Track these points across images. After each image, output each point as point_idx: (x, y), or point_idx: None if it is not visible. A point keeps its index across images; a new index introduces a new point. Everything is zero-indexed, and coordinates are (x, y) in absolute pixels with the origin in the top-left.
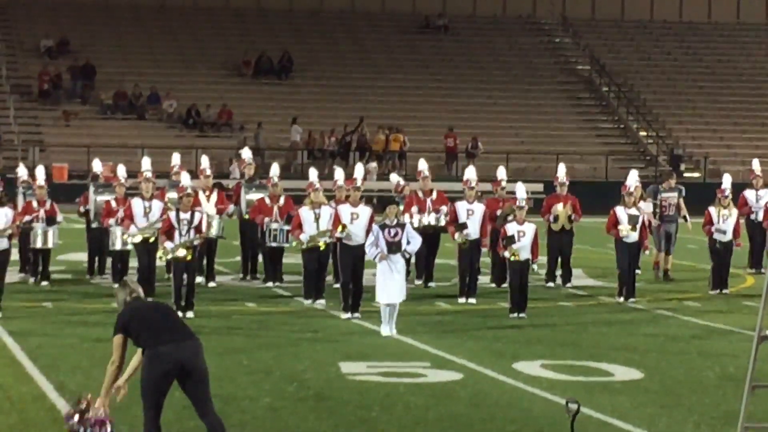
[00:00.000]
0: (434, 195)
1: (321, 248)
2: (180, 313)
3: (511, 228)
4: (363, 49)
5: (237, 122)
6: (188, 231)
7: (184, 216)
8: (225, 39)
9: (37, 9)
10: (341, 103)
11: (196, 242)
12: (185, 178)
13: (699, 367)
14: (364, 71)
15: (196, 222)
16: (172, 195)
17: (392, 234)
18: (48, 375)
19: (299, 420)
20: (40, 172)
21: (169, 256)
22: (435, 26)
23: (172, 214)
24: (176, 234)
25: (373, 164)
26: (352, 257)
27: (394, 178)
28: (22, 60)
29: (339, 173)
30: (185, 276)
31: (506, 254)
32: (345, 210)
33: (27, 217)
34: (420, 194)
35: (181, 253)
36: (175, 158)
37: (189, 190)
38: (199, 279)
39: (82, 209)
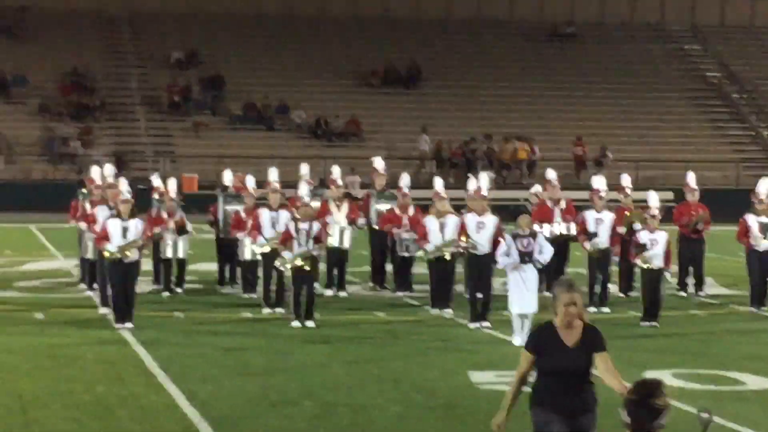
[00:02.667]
0: (563, 204)
1: (446, 258)
2: (297, 324)
3: (643, 236)
4: (490, 58)
5: (365, 132)
6: (307, 241)
7: (303, 226)
8: (353, 49)
9: (166, 21)
10: (469, 112)
11: (314, 252)
12: (303, 189)
13: None
14: (492, 80)
15: (315, 232)
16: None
17: (525, 244)
18: (179, 384)
19: (428, 429)
20: (172, 184)
21: (289, 266)
22: (563, 34)
23: (291, 225)
24: (295, 244)
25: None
26: (480, 267)
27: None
28: (153, 72)
29: (472, 183)
30: (304, 286)
31: (638, 262)
32: (471, 219)
33: (157, 229)
34: (549, 203)
35: (300, 263)
36: (304, 168)
37: (306, 200)
38: (329, 292)
39: (212, 218)
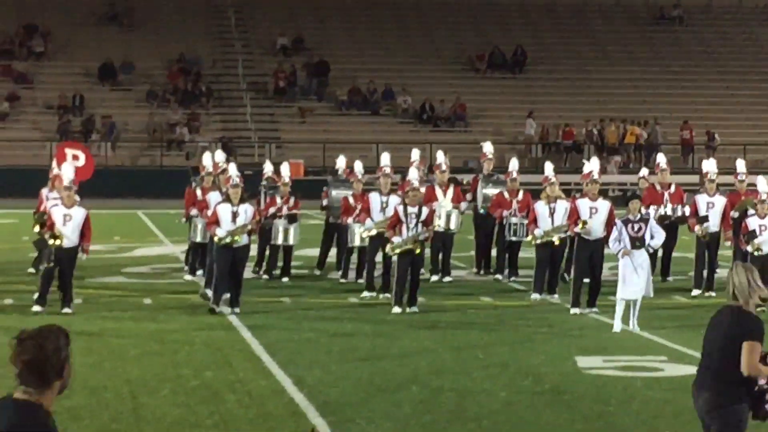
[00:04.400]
0: (672, 188)
1: (555, 243)
2: (398, 309)
3: (753, 222)
4: (597, 42)
5: (471, 116)
6: (416, 225)
7: (412, 210)
8: (457, 34)
9: (272, 8)
10: (575, 96)
11: (422, 237)
12: (413, 174)
13: None
14: (598, 64)
15: (423, 216)
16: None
17: (636, 229)
18: (286, 369)
19: (535, 414)
20: (284, 169)
21: (398, 250)
22: (670, 17)
23: (400, 208)
24: (404, 228)
25: (617, 158)
26: (590, 252)
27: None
28: (258, 58)
29: (587, 167)
30: (410, 270)
31: (749, 249)
32: (584, 204)
33: (271, 209)
34: (658, 187)
35: (411, 246)
36: (414, 154)
37: (416, 184)
38: (434, 277)
39: (325, 202)
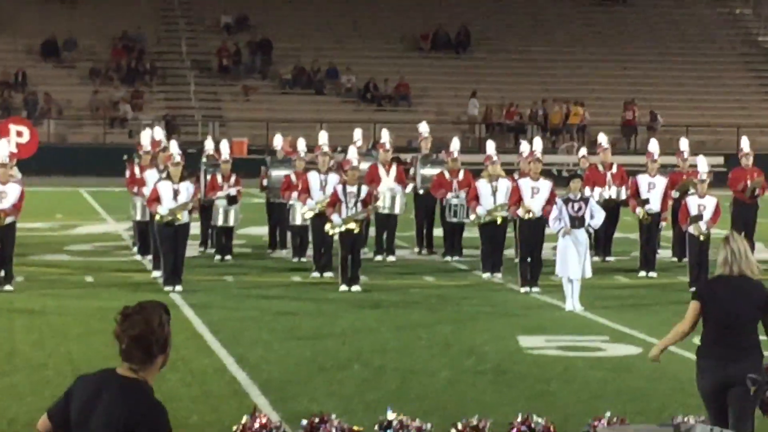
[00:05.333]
0: (614, 169)
1: (498, 223)
2: (345, 287)
3: (692, 201)
4: (540, 23)
5: (414, 96)
6: (355, 204)
7: (351, 189)
8: (402, 13)
9: None
10: (519, 77)
11: (361, 216)
12: (352, 152)
13: None
14: (542, 45)
15: (363, 195)
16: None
17: (576, 208)
18: (229, 348)
19: (477, 393)
20: (224, 147)
21: (338, 230)
22: None
23: (339, 188)
24: (343, 207)
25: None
26: (532, 231)
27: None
28: (202, 36)
29: (525, 146)
30: (352, 250)
31: (692, 231)
32: (525, 184)
33: (220, 193)
34: (600, 168)
35: (351, 226)
36: (357, 134)
37: (355, 163)
38: (378, 257)
39: (265, 183)
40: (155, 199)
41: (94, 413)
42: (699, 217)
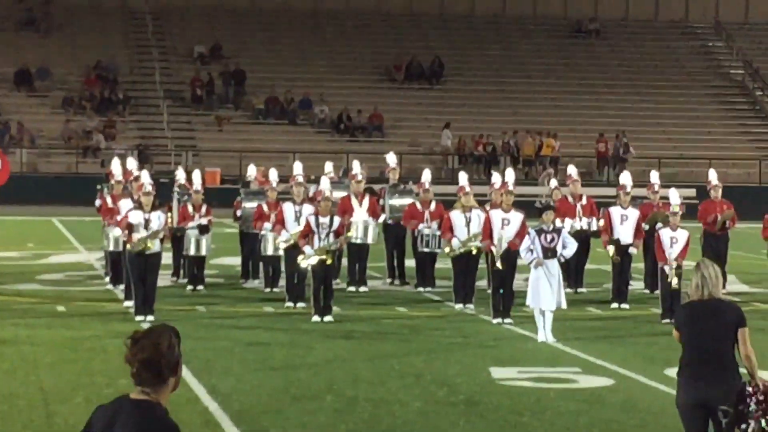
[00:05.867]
0: (584, 200)
1: (473, 252)
2: (318, 318)
3: (665, 235)
4: (514, 54)
5: (388, 127)
6: (327, 235)
7: (323, 220)
8: (376, 44)
9: (190, 15)
10: (492, 108)
11: (333, 247)
12: (324, 183)
13: None
14: (515, 76)
15: (335, 226)
16: (336, 195)
17: (548, 239)
18: (200, 378)
19: (449, 424)
20: (196, 177)
21: (310, 261)
22: (587, 30)
23: (312, 219)
24: (315, 238)
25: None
26: (504, 263)
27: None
28: (176, 66)
29: (496, 177)
30: (324, 281)
31: (666, 269)
32: (497, 215)
33: (192, 223)
34: (570, 199)
35: (321, 257)
36: (328, 166)
37: (327, 194)
38: (351, 288)
39: (238, 213)
40: (127, 228)
41: None
42: (679, 270)
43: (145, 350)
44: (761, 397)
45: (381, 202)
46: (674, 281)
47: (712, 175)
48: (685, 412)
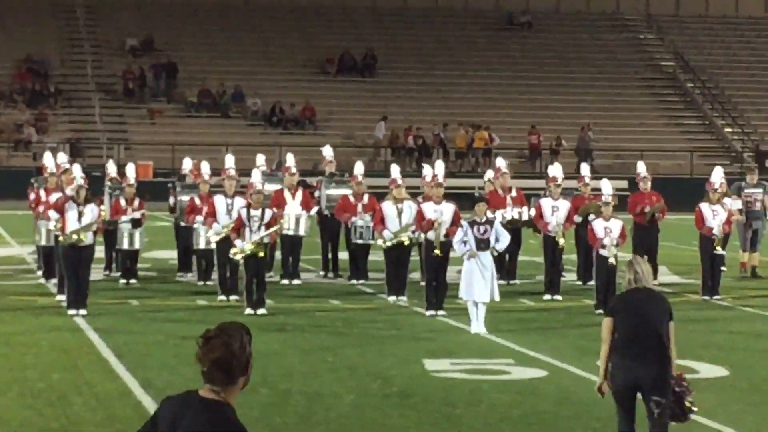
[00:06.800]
0: (513, 192)
1: (405, 243)
2: (251, 310)
3: (598, 225)
4: (446, 47)
5: (321, 120)
6: (259, 228)
7: (255, 213)
8: (309, 37)
9: (122, 8)
10: (424, 100)
11: (266, 239)
12: (256, 176)
13: None
14: (448, 69)
15: (267, 219)
16: (269, 187)
17: (481, 231)
18: (134, 372)
19: (383, 417)
20: (130, 170)
21: (242, 255)
22: (518, 23)
23: (243, 212)
24: (247, 231)
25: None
26: (436, 254)
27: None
28: (107, 59)
29: (427, 170)
30: (256, 273)
31: (604, 253)
32: (428, 208)
33: (124, 218)
34: (499, 191)
35: (253, 250)
36: (260, 159)
37: (259, 187)
38: (284, 280)
39: (171, 201)
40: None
41: None
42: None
43: (216, 350)
44: (684, 383)
45: (317, 194)
46: (612, 259)
47: (641, 167)
48: (618, 393)
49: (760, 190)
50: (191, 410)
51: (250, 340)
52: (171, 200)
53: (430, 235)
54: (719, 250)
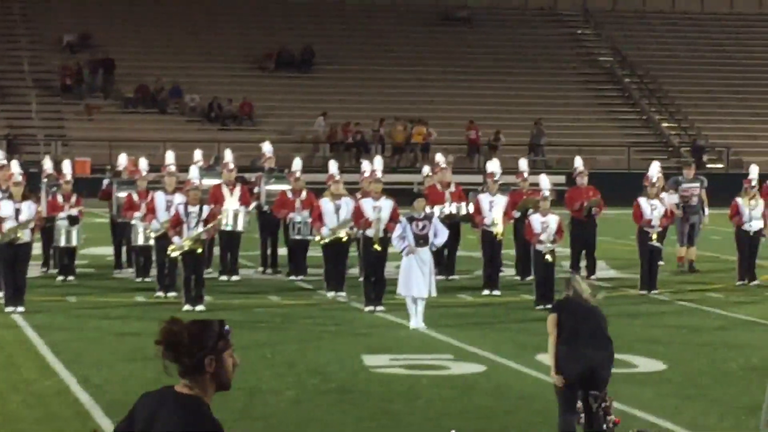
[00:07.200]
0: (452, 187)
1: (343, 240)
2: (189, 306)
3: (535, 220)
4: (385, 42)
5: (259, 115)
6: (197, 224)
7: (193, 209)
8: (247, 32)
9: (59, 3)
10: (363, 96)
11: (204, 236)
12: (193, 172)
13: (723, 358)
14: (386, 64)
15: (204, 215)
16: (207, 182)
17: (420, 227)
18: (71, 369)
19: (323, 413)
20: (66, 166)
21: (180, 251)
22: (456, 18)
23: (181, 208)
24: (185, 227)
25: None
26: (375, 250)
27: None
28: (44, 54)
29: (366, 165)
30: (194, 269)
31: (541, 248)
32: (367, 203)
33: (62, 214)
34: (438, 187)
35: (191, 246)
36: (197, 154)
37: (196, 183)
38: (223, 277)
39: (104, 183)
40: None
41: (153, 429)
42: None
43: (162, 332)
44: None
45: (256, 189)
46: (548, 256)
47: (578, 162)
48: (569, 383)
49: (697, 185)
50: (166, 406)
51: (216, 338)
52: (104, 183)
53: (369, 231)
54: (655, 242)
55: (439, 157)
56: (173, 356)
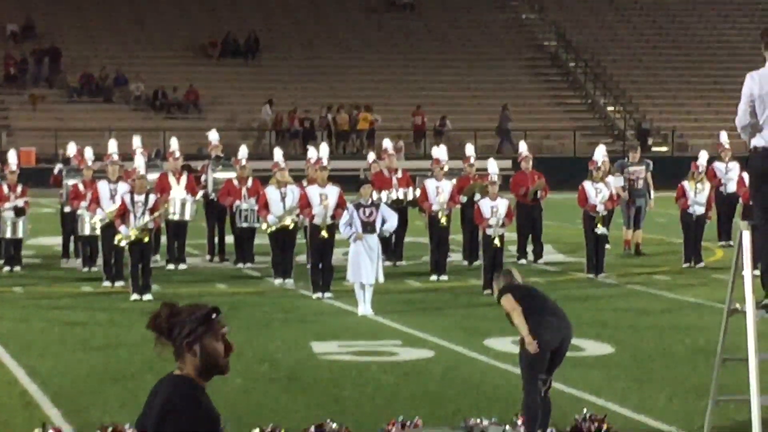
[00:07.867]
0: (399, 173)
1: (289, 227)
2: (137, 296)
3: (484, 204)
4: (329, 29)
5: (205, 103)
6: (143, 213)
7: (139, 198)
8: (191, 20)
9: None
10: (308, 83)
11: (150, 225)
12: (139, 161)
13: (670, 340)
14: (331, 51)
15: (150, 204)
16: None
17: (367, 214)
18: (19, 359)
19: (271, 400)
20: (12, 156)
21: (127, 241)
22: (401, 4)
23: (127, 197)
24: (131, 217)
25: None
26: (323, 237)
27: (371, 157)
28: None
29: (312, 152)
30: (141, 258)
31: (490, 232)
32: (313, 191)
33: (7, 205)
34: (385, 172)
35: (137, 235)
36: (136, 141)
37: (141, 172)
38: (170, 266)
39: (55, 169)
40: None
41: (150, 408)
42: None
43: (150, 318)
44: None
45: (203, 177)
46: (497, 240)
47: (523, 147)
48: (549, 348)
49: (643, 168)
50: (161, 386)
51: (200, 321)
52: (56, 169)
53: (316, 219)
54: (600, 229)
55: (387, 143)
56: (161, 340)
